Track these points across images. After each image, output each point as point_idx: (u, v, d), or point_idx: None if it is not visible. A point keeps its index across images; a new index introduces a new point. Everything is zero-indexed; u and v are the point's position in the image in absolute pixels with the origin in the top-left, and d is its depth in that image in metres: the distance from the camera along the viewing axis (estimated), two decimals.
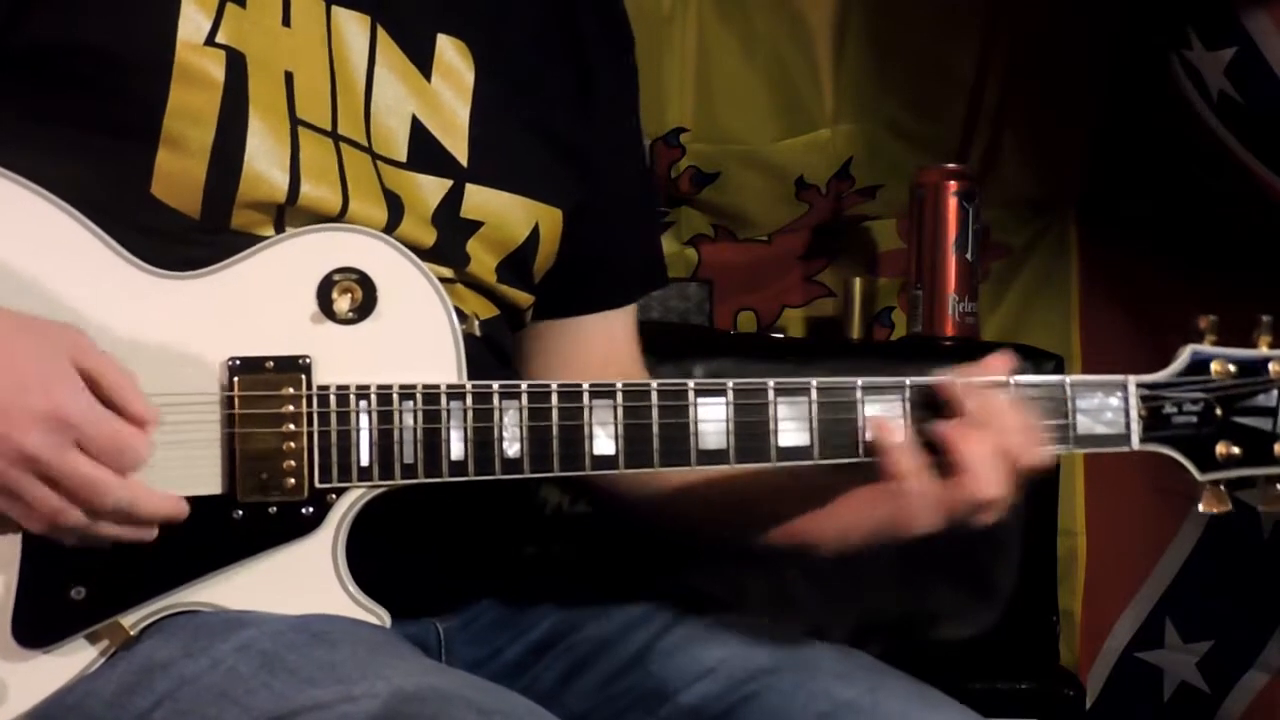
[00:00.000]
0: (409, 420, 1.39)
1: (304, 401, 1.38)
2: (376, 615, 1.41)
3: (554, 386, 1.41)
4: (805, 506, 1.50)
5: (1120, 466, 2.77)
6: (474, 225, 1.55)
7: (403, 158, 1.52)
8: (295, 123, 1.46)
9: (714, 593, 1.62)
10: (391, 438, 1.39)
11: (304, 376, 1.38)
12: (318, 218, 1.45)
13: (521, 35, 1.64)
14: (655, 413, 1.42)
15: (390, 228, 1.48)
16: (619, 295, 1.75)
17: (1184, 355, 1.49)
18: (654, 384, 1.43)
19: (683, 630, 1.54)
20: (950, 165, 2.74)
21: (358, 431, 1.38)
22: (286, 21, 1.48)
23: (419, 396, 1.39)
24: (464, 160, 1.55)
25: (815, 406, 1.44)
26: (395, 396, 1.39)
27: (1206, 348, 1.50)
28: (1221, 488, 1.49)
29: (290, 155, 1.45)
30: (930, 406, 1.44)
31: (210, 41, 1.44)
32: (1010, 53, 2.88)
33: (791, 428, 1.44)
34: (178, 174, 1.42)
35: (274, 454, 1.37)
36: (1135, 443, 1.48)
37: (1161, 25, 2.51)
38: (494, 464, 1.40)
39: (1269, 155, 2.46)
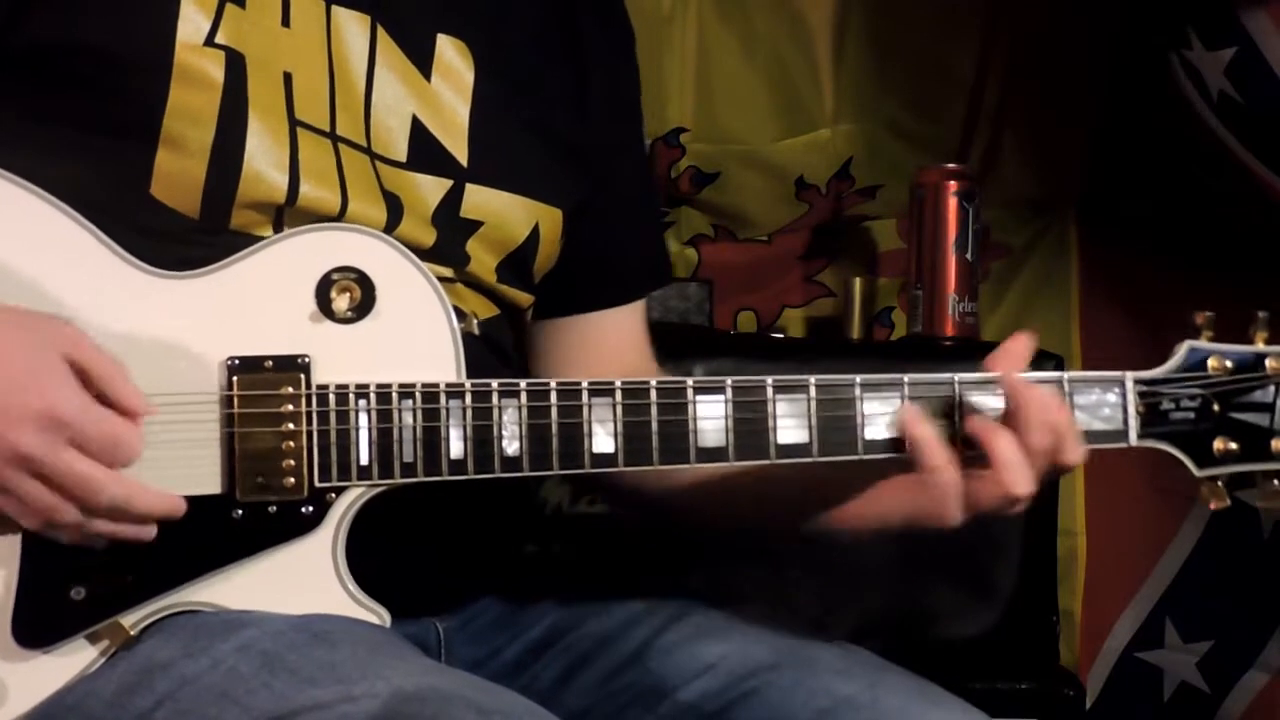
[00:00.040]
0: (408, 419, 1.39)
1: (303, 401, 1.38)
2: (376, 614, 1.41)
3: (553, 384, 1.42)
4: (848, 494, 1.50)
5: (1120, 466, 2.76)
6: (474, 225, 1.55)
7: (402, 158, 1.52)
8: (294, 123, 1.46)
9: (713, 592, 1.61)
10: (391, 436, 1.39)
11: (303, 376, 1.38)
12: (317, 218, 1.45)
13: (521, 35, 1.64)
14: (654, 410, 1.42)
15: (389, 228, 1.48)
16: (624, 293, 1.75)
17: (1181, 351, 1.50)
18: (653, 382, 1.43)
19: (682, 627, 1.54)
20: (950, 165, 2.74)
21: (357, 430, 1.38)
22: (286, 22, 1.48)
23: (418, 395, 1.39)
24: (464, 160, 1.55)
25: (814, 404, 1.44)
26: (394, 395, 1.39)
27: (1204, 344, 1.50)
28: (1219, 483, 1.49)
29: (289, 156, 1.45)
30: (981, 398, 1.44)
31: (210, 42, 1.44)
32: (1010, 53, 2.88)
33: (791, 425, 1.44)
34: (177, 174, 1.42)
35: (273, 453, 1.37)
36: (1133, 439, 1.48)
37: (1161, 25, 2.51)
38: (493, 462, 1.40)
39: (1269, 155, 2.46)
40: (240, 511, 1.37)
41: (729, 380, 1.44)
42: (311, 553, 1.39)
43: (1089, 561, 2.96)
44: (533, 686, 1.53)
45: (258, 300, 1.40)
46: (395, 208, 1.50)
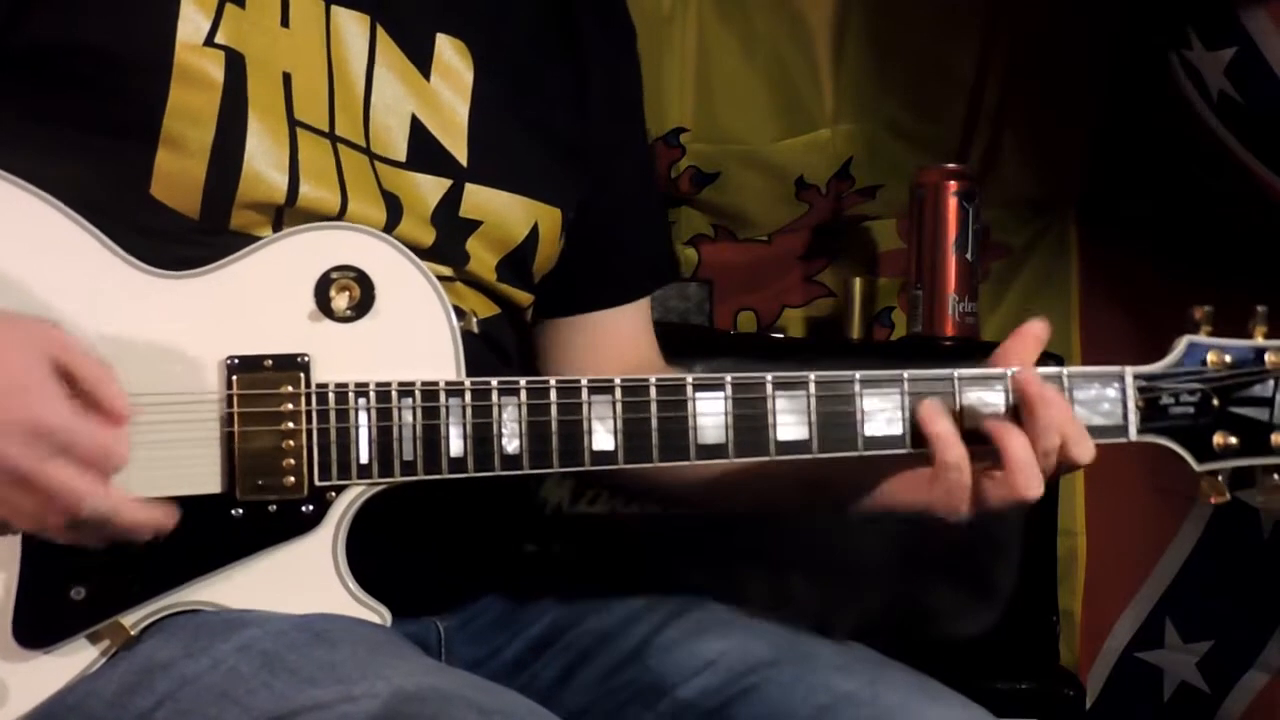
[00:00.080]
0: (408, 417, 1.39)
1: (303, 400, 1.38)
2: (377, 613, 1.41)
3: (552, 382, 1.42)
4: (859, 484, 1.51)
5: (1120, 466, 2.76)
6: (473, 224, 1.55)
7: (402, 157, 1.52)
8: (293, 124, 1.46)
9: (715, 592, 1.62)
10: (391, 435, 1.39)
11: (303, 375, 1.38)
12: (317, 218, 1.45)
13: (521, 35, 1.64)
14: (654, 407, 1.42)
15: (389, 228, 1.48)
16: (627, 292, 1.76)
17: (1180, 346, 1.50)
18: (653, 379, 1.43)
19: (682, 624, 1.54)
20: (950, 165, 2.74)
21: (357, 429, 1.39)
22: (285, 22, 1.48)
23: (418, 394, 1.39)
24: (463, 160, 1.55)
25: (814, 400, 1.44)
26: (394, 394, 1.39)
27: (1203, 338, 1.50)
28: (1219, 478, 1.49)
29: (289, 156, 1.45)
30: (980, 394, 1.45)
31: (209, 42, 1.44)
32: (1010, 53, 2.88)
33: (790, 421, 1.44)
34: (177, 174, 1.42)
35: (273, 452, 1.37)
36: (1133, 434, 1.49)
37: (1161, 25, 2.51)
38: (493, 460, 1.40)
39: (1269, 155, 2.46)
40: (240, 511, 1.37)
41: (729, 377, 1.44)
42: (312, 552, 1.39)
43: (1089, 561, 2.95)
44: (533, 685, 1.53)
45: (257, 299, 1.40)
46: (394, 207, 1.50)
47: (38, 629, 1.35)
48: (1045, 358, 2.57)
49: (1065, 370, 1.48)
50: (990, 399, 1.45)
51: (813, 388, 1.44)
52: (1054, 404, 1.43)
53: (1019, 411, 1.44)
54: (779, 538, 2.42)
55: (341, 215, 1.47)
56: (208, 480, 1.37)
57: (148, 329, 1.38)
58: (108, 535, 1.31)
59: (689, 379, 1.43)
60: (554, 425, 1.41)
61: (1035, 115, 2.92)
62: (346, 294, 1.40)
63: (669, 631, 1.53)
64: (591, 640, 1.56)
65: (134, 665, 1.34)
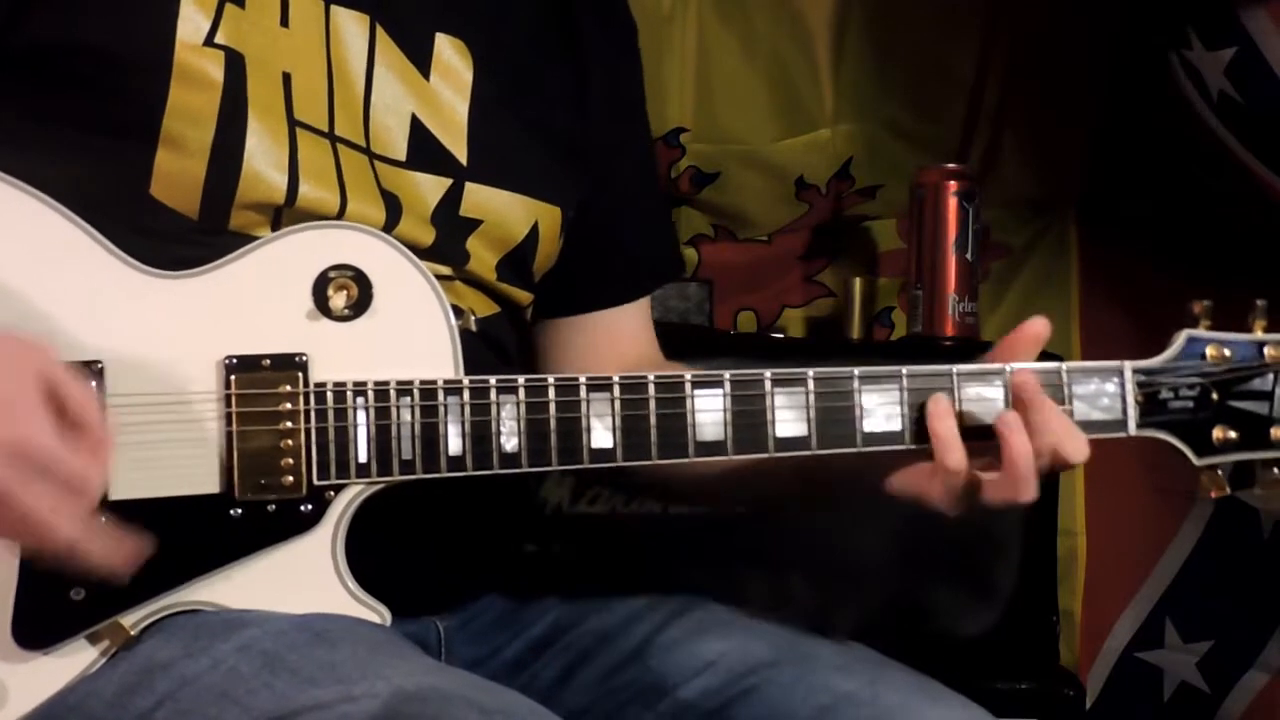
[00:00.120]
0: (406, 416, 1.39)
1: (301, 399, 1.38)
2: (377, 612, 1.41)
3: (550, 380, 1.42)
4: (872, 471, 1.50)
5: (1120, 467, 2.77)
6: (473, 223, 1.55)
7: (402, 157, 1.52)
8: (293, 124, 1.46)
9: (715, 592, 1.62)
10: (389, 434, 1.39)
11: (301, 374, 1.38)
12: (316, 219, 1.45)
13: (520, 34, 1.64)
14: (653, 405, 1.43)
15: (388, 227, 1.48)
16: (628, 291, 1.76)
17: (1179, 340, 1.50)
18: (651, 376, 1.43)
19: (682, 625, 1.54)
20: (950, 165, 2.73)
21: (355, 428, 1.39)
22: (285, 22, 1.48)
23: (416, 392, 1.39)
24: (463, 159, 1.55)
25: (812, 396, 1.44)
26: (392, 392, 1.39)
27: (1202, 333, 1.50)
28: (1219, 472, 1.49)
29: (289, 156, 1.45)
30: (979, 390, 1.45)
31: (209, 42, 1.44)
32: (1010, 53, 2.88)
33: (789, 418, 1.44)
34: (177, 174, 1.42)
35: (272, 452, 1.37)
36: (1132, 428, 1.49)
37: (1161, 25, 2.51)
38: (492, 459, 1.41)
39: (1269, 155, 2.46)
40: (239, 510, 1.37)
41: (727, 374, 1.44)
42: (311, 551, 1.39)
43: (1089, 561, 2.95)
44: (533, 685, 1.53)
45: (254, 299, 1.40)
46: (394, 207, 1.50)
47: (37, 630, 1.35)
48: (1044, 358, 2.57)
49: (1064, 365, 1.49)
50: (989, 394, 1.45)
51: (811, 384, 1.45)
52: (1049, 404, 1.43)
53: (1016, 409, 1.44)
54: (779, 538, 2.42)
55: (341, 215, 1.47)
56: (206, 480, 1.37)
57: (145, 329, 1.38)
58: (76, 563, 1.29)
59: (687, 376, 1.44)
60: (552, 423, 1.41)
61: (1035, 115, 2.92)
62: (344, 293, 1.40)
63: (669, 632, 1.53)
64: (592, 640, 1.56)
65: (134, 665, 1.34)
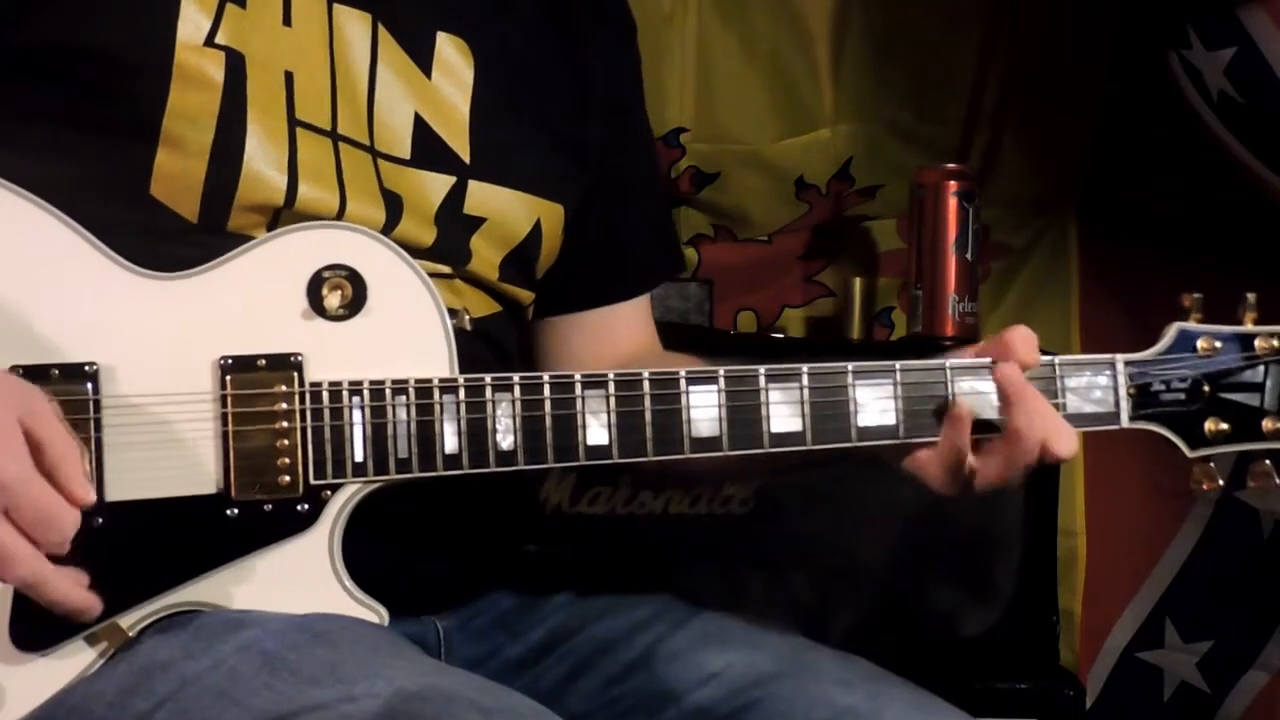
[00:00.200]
0: (402, 415, 1.39)
1: (296, 399, 1.38)
2: (374, 612, 1.41)
3: (546, 378, 1.42)
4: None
5: (1120, 467, 2.76)
6: (477, 222, 1.56)
7: (406, 155, 1.52)
8: (294, 123, 1.47)
9: (716, 592, 1.61)
10: (385, 432, 1.39)
11: (296, 374, 1.38)
12: (314, 220, 1.45)
13: (521, 33, 1.64)
14: (648, 401, 1.43)
15: (389, 228, 1.49)
16: (629, 288, 1.77)
17: (1171, 333, 1.51)
18: (646, 373, 1.43)
19: (687, 634, 1.54)
20: (950, 165, 2.73)
21: (351, 427, 1.39)
22: (287, 21, 1.48)
23: (412, 391, 1.39)
24: (465, 157, 1.56)
25: (807, 392, 1.45)
26: (388, 391, 1.39)
27: (1193, 325, 1.51)
28: (1211, 464, 1.50)
29: (288, 156, 1.45)
30: (972, 384, 1.46)
31: (209, 42, 1.44)
32: (1010, 53, 2.87)
33: (784, 413, 1.45)
34: (178, 175, 1.43)
35: (268, 452, 1.37)
36: (1124, 420, 1.49)
37: (1161, 25, 2.50)
38: (488, 457, 1.41)
39: (1269, 155, 2.46)
40: (235, 510, 1.37)
41: (721, 370, 1.44)
42: (308, 551, 1.39)
43: (1089, 561, 2.95)
44: (535, 687, 1.53)
45: (249, 299, 1.40)
46: (395, 207, 1.50)
47: (35, 631, 1.34)
48: (1045, 357, 2.56)
49: (1057, 358, 1.49)
50: (982, 387, 1.46)
51: (806, 380, 1.45)
52: (1037, 395, 1.44)
53: (1005, 405, 1.44)
54: (779, 538, 2.42)
55: (340, 216, 1.47)
56: (202, 481, 1.37)
57: (140, 330, 1.38)
58: (35, 598, 1.30)
59: (682, 372, 1.44)
60: (548, 420, 1.41)
61: (1035, 115, 2.91)
62: (339, 292, 1.40)
63: (673, 642, 1.53)
64: (595, 647, 1.56)
65: (133, 666, 1.34)
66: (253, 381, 1.37)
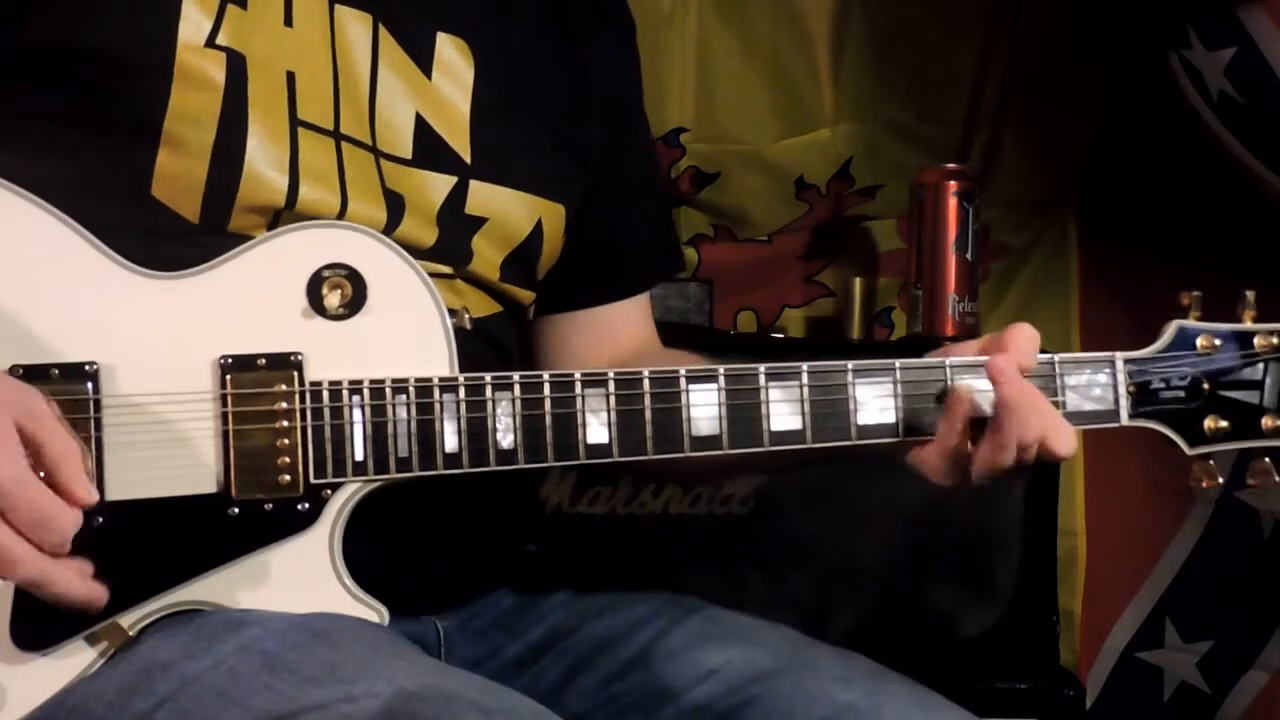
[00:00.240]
0: (402, 414, 1.39)
1: (297, 398, 1.38)
2: (375, 611, 1.41)
3: (546, 376, 1.42)
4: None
5: (1120, 467, 2.76)
6: (478, 222, 1.56)
7: (408, 155, 1.53)
8: (295, 124, 1.47)
9: (715, 592, 1.62)
10: (385, 431, 1.39)
11: (296, 373, 1.38)
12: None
13: (520, 33, 1.65)
14: (648, 400, 1.43)
15: (390, 228, 1.49)
16: (629, 286, 1.77)
17: (1170, 331, 1.51)
18: (646, 372, 1.43)
19: (685, 632, 1.54)
20: (950, 165, 2.73)
21: (351, 426, 1.39)
22: (289, 21, 1.48)
23: (412, 390, 1.39)
24: (466, 157, 1.56)
25: (807, 390, 1.45)
26: (388, 390, 1.39)
27: (1192, 323, 1.51)
28: (1210, 462, 1.50)
29: (289, 157, 1.46)
30: (971, 381, 1.46)
31: (210, 43, 1.44)
32: (1010, 53, 2.88)
33: (784, 411, 1.45)
34: (179, 175, 1.43)
35: (268, 451, 1.37)
36: (1124, 418, 1.49)
37: (1161, 25, 2.50)
38: (488, 455, 1.41)
39: (1269, 155, 2.46)
40: (236, 510, 1.38)
41: (721, 369, 1.44)
42: (308, 550, 1.39)
43: (1089, 561, 2.95)
44: (534, 686, 1.53)
45: (249, 299, 1.40)
46: (397, 207, 1.50)
47: (35, 631, 1.34)
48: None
49: (1056, 356, 1.49)
50: (981, 385, 1.46)
51: (806, 378, 1.45)
52: (1031, 392, 1.44)
53: (999, 401, 1.44)
54: (779, 537, 2.42)
55: (341, 216, 1.47)
56: (203, 480, 1.37)
57: (140, 330, 1.38)
58: (40, 596, 1.29)
59: (682, 371, 1.44)
60: (548, 419, 1.41)
61: (1035, 115, 2.91)
62: (338, 292, 1.40)
63: (672, 639, 1.53)
64: (594, 645, 1.56)
65: (134, 666, 1.34)
66: (253, 381, 1.37)
